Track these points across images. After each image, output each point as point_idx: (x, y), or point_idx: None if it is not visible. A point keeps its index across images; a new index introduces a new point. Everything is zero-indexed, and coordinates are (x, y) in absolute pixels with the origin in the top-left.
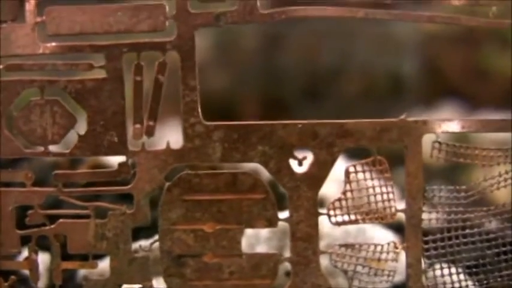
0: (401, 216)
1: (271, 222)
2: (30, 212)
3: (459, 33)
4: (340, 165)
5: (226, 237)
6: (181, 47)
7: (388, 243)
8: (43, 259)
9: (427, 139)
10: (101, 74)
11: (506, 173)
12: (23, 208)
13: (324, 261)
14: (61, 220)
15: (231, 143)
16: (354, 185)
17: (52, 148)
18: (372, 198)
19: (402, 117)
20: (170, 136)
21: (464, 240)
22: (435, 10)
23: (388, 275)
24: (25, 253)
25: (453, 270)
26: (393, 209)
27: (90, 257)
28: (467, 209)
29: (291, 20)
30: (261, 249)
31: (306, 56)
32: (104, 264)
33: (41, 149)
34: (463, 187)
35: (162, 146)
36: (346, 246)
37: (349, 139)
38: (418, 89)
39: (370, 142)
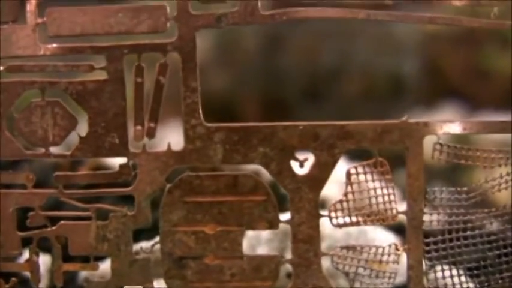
0: (402, 218)
1: (272, 224)
2: (31, 213)
3: (460, 34)
4: (341, 166)
5: (227, 239)
6: (182, 49)
7: (390, 245)
8: (44, 261)
9: (428, 141)
10: (101, 76)
11: (508, 174)
12: (23, 210)
13: (325, 263)
14: (62, 222)
15: (232, 144)
16: (355, 186)
17: (53, 150)
18: (373, 200)
19: (403, 118)
20: (171, 138)
21: (466, 241)
22: (436, 11)
23: (390, 277)
24: (26, 255)
25: (454, 271)
26: (394, 211)
27: (91, 259)
28: (469, 211)
29: (292, 21)
30: (262, 251)
31: (307, 57)
32: (105, 266)
33: (42, 150)
34: (464, 189)
35: (163, 147)
36: (348, 248)
37: (350, 141)
38: (419, 90)
39: (371, 144)
